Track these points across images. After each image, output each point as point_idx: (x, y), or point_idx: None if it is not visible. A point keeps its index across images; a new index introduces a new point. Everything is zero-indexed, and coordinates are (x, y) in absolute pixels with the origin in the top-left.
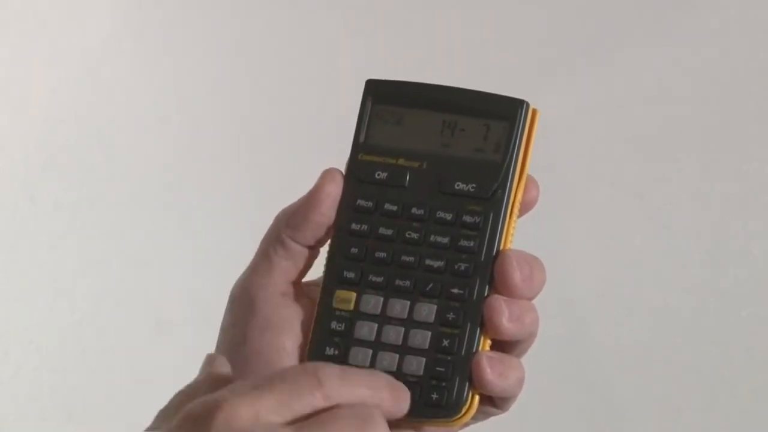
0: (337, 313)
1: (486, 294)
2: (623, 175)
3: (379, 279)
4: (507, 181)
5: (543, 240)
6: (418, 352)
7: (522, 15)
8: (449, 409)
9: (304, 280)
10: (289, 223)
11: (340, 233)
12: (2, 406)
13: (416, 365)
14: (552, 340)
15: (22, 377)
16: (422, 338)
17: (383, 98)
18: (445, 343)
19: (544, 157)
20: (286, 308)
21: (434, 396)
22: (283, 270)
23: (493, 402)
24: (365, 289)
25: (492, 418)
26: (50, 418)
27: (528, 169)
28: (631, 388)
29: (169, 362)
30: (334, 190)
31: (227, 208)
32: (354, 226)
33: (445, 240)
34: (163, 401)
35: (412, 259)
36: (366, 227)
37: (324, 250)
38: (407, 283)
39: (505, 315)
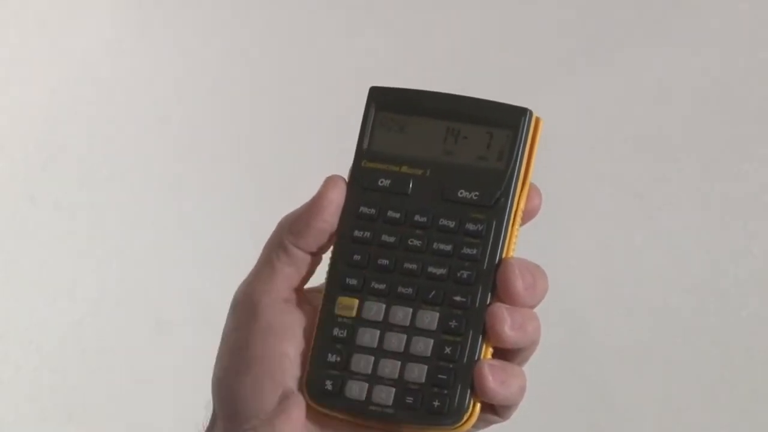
0: (340, 319)
1: (488, 302)
2: (623, 175)
3: (382, 286)
4: (510, 190)
5: (543, 240)
6: (420, 359)
7: (522, 15)
8: (450, 416)
9: (306, 286)
10: (291, 230)
11: (342, 240)
12: (2, 406)
13: (418, 372)
14: (552, 340)
15: (22, 377)
16: (424, 345)
17: (387, 105)
18: (447, 350)
19: (543, 158)
20: (288, 314)
21: (436, 403)
22: (286, 276)
23: (495, 410)
24: (368, 296)
25: None
26: (50, 418)
27: (531, 178)
28: (631, 388)
29: (169, 362)
30: (337, 197)
31: (227, 208)
32: (357, 233)
33: (448, 247)
34: (163, 401)
35: (414, 266)
36: (369, 234)
37: (326, 257)
38: (410, 290)
39: (507, 323)
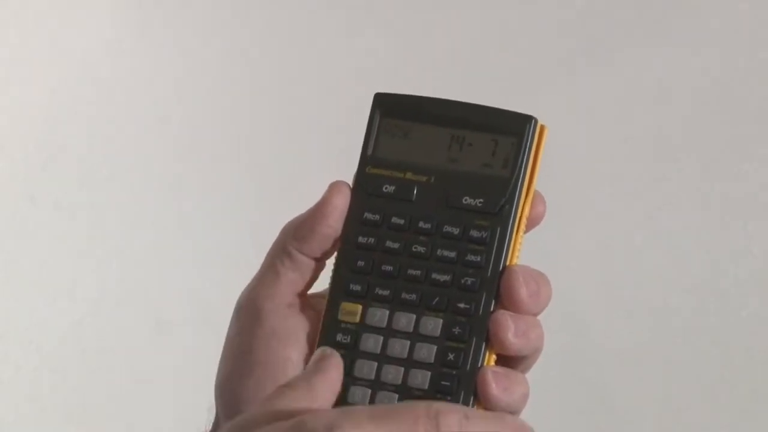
0: (343, 325)
1: (492, 309)
2: (623, 175)
3: (386, 292)
4: (514, 197)
5: (542, 239)
6: (423, 365)
7: (522, 15)
8: None
9: (310, 291)
10: (296, 235)
11: (346, 246)
12: (2, 406)
13: (421, 379)
14: (551, 340)
15: (22, 377)
16: (428, 352)
17: (391, 112)
18: (451, 357)
19: (543, 158)
20: (292, 319)
21: None
22: (290, 281)
23: None
24: (371, 302)
25: None
26: (50, 418)
27: (535, 185)
28: (632, 388)
29: (169, 362)
30: (342, 203)
31: (227, 208)
32: (361, 239)
33: (452, 254)
34: (163, 401)
35: (418, 272)
36: (373, 240)
37: (330, 263)
38: (413, 296)
39: (510, 330)
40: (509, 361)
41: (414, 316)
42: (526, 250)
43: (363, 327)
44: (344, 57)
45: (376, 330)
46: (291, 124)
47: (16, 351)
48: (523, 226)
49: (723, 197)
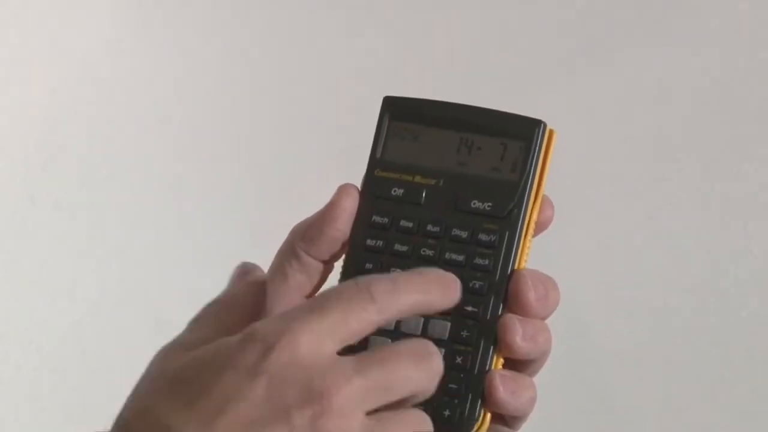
0: None
1: (500, 312)
2: (623, 175)
3: None
4: (523, 201)
5: (542, 239)
6: None
7: (522, 15)
8: (461, 426)
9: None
10: (304, 237)
11: (355, 248)
12: (2, 406)
13: None
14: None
15: (22, 377)
16: None
17: (400, 115)
18: (459, 360)
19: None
20: None
21: (446, 413)
22: (298, 283)
23: (505, 420)
24: None
25: None
26: (50, 418)
27: (543, 190)
28: (632, 388)
29: None
30: (350, 205)
31: (227, 208)
32: (369, 241)
33: (460, 258)
34: None
35: None
36: (381, 243)
37: (338, 265)
38: None
39: (518, 334)
40: (517, 364)
41: (422, 319)
42: (531, 252)
43: None
44: (344, 57)
45: (384, 333)
46: (291, 124)
47: (16, 351)
48: (531, 230)
49: (723, 197)
